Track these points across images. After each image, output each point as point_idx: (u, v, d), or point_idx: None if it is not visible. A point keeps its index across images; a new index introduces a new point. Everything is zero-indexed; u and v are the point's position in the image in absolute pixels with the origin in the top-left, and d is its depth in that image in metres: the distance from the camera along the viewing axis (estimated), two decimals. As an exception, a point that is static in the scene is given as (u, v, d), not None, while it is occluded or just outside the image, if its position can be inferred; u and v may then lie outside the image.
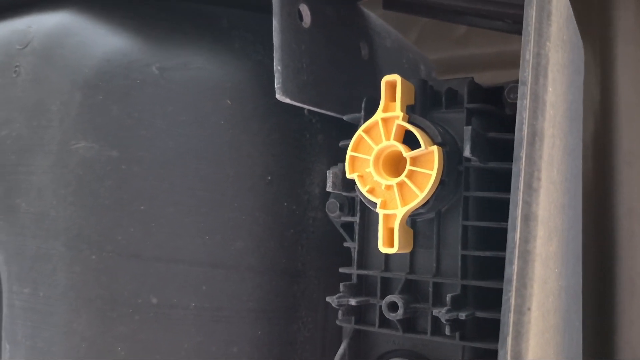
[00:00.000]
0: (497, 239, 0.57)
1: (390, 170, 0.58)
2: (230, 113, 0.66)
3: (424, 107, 0.61)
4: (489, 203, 0.60)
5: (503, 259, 0.47)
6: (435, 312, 0.57)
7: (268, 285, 0.67)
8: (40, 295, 0.64)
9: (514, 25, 0.79)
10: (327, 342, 0.73)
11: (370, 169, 0.58)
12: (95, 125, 0.63)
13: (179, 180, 0.63)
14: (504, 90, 0.63)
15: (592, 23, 0.99)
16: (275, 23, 0.60)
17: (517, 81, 0.53)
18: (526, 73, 0.48)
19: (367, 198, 0.58)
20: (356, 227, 0.65)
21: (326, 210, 0.68)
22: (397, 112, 0.57)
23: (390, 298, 0.59)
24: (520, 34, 0.49)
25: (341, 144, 0.66)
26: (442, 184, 0.56)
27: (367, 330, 0.65)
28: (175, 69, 0.65)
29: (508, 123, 0.61)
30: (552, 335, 0.51)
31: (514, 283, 0.45)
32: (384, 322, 0.62)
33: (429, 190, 0.55)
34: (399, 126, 0.57)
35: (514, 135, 0.48)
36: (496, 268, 0.56)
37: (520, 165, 0.47)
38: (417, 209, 0.56)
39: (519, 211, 0.46)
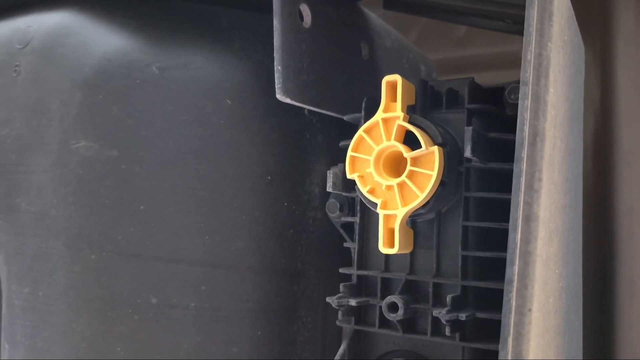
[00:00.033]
0: (497, 240, 0.57)
1: (390, 170, 0.58)
2: (231, 113, 0.65)
3: (425, 107, 0.61)
4: (490, 203, 0.60)
5: (503, 260, 0.47)
6: (435, 312, 0.57)
7: (268, 285, 0.67)
8: (39, 295, 0.64)
9: (515, 25, 0.79)
10: (327, 342, 0.73)
11: (371, 169, 0.58)
12: (95, 125, 0.63)
13: (179, 180, 0.63)
14: (505, 91, 0.63)
15: (592, 23, 0.99)
16: (276, 23, 0.60)
17: (517, 82, 0.53)
18: (527, 73, 0.48)
19: (367, 198, 0.58)
20: (356, 228, 0.65)
21: (326, 210, 0.68)
22: (397, 112, 0.57)
23: (390, 298, 0.59)
24: (521, 34, 0.49)
25: (341, 144, 0.66)
26: (443, 184, 0.56)
27: (367, 331, 0.65)
28: (176, 69, 0.65)
29: (509, 123, 0.61)
30: (552, 337, 0.51)
31: (515, 284, 0.45)
32: (384, 323, 0.62)
33: (430, 191, 0.55)
34: (400, 126, 0.57)
35: (514, 136, 0.48)
36: (496, 269, 0.56)
37: (521, 166, 0.47)
38: (417, 210, 0.56)
39: (520, 212, 0.46)
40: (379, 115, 0.58)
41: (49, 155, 0.64)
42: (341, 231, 0.69)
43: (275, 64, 0.60)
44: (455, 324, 0.57)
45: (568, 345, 0.57)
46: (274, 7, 0.60)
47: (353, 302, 0.62)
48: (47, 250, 0.63)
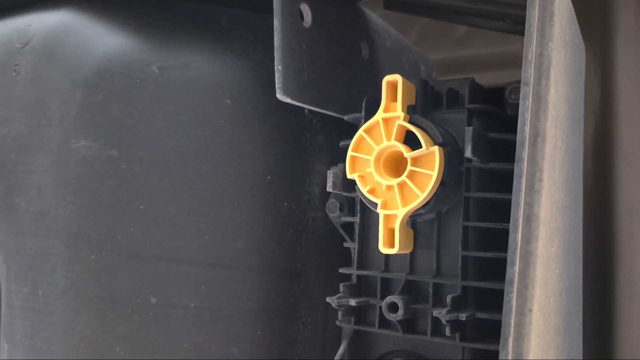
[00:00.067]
0: (498, 240, 0.57)
1: (391, 170, 0.58)
2: (231, 113, 0.65)
3: (425, 107, 0.61)
4: (490, 204, 0.60)
5: (503, 260, 0.47)
6: (435, 312, 0.57)
7: (268, 285, 0.67)
8: (39, 295, 0.64)
9: (515, 25, 0.79)
10: (327, 342, 0.73)
11: (371, 169, 0.57)
12: (95, 125, 0.63)
13: (179, 180, 0.63)
14: (505, 91, 0.63)
15: (592, 24, 0.99)
16: (276, 23, 0.60)
17: (518, 82, 0.53)
18: (528, 74, 0.47)
19: (367, 198, 0.58)
20: (356, 228, 0.65)
21: (326, 210, 0.68)
22: (398, 112, 0.57)
23: (390, 299, 0.59)
24: (521, 34, 0.49)
25: (342, 144, 0.66)
26: (443, 184, 0.56)
27: (367, 331, 0.65)
28: (176, 69, 0.65)
29: (509, 124, 0.61)
30: (553, 337, 0.51)
31: (516, 284, 0.45)
32: (384, 323, 0.62)
33: (430, 191, 0.55)
34: (400, 126, 0.57)
35: (515, 136, 0.48)
36: (496, 269, 0.56)
37: (522, 166, 0.47)
38: (417, 210, 0.56)
39: (521, 212, 0.46)
40: (380, 115, 0.58)
41: (49, 155, 0.64)
42: (341, 231, 0.68)
43: (275, 63, 0.60)
44: (455, 324, 0.57)
45: (568, 345, 0.57)
46: (274, 6, 0.60)
47: (353, 302, 0.62)
48: (46, 249, 0.63)
